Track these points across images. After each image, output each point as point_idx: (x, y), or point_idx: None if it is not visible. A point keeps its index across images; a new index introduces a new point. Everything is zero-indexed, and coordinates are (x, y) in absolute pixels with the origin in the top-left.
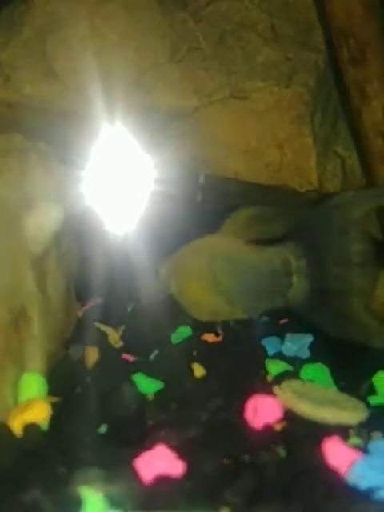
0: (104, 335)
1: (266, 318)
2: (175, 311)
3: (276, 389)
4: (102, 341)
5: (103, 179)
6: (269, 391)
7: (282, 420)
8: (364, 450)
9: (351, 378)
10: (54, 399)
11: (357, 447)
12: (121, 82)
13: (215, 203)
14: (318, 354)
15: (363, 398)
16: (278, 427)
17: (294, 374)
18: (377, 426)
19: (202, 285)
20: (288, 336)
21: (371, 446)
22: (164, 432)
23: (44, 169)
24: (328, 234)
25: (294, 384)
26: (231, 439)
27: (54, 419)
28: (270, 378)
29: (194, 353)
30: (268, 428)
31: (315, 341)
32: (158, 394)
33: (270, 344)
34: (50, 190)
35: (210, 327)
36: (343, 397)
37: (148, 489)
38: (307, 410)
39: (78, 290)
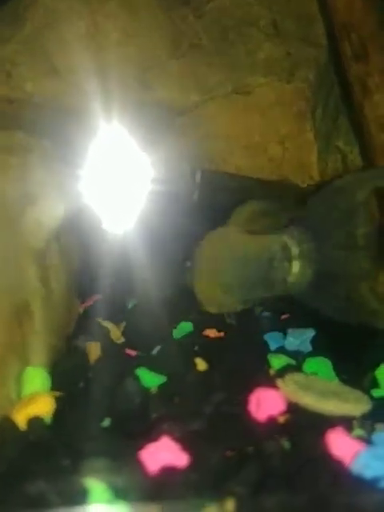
0: (106, 331)
1: (267, 313)
2: (177, 307)
3: (279, 382)
4: (104, 336)
5: (103, 177)
6: (272, 384)
7: (285, 412)
8: (368, 441)
9: (354, 372)
10: (58, 393)
11: (360, 438)
12: (122, 78)
13: (217, 198)
14: (320, 348)
15: (366, 391)
16: (282, 419)
17: (296, 368)
18: (380, 417)
19: (208, 276)
20: (290, 331)
21: (375, 436)
22: (168, 424)
23: (45, 166)
24: (331, 217)
25: (297, 377)
26: (235, 431)
27: (58, 413)
28: (272, 372)
29: (196, 348)
30: (272, 420)
31: (317, 335)
32: (161, 387)
33: (272, 339)
34: (51, 186)
35: (211, 322)
36: (346, 389)
37: (153, 480)
38: (311, 402)
39: (80, 287)
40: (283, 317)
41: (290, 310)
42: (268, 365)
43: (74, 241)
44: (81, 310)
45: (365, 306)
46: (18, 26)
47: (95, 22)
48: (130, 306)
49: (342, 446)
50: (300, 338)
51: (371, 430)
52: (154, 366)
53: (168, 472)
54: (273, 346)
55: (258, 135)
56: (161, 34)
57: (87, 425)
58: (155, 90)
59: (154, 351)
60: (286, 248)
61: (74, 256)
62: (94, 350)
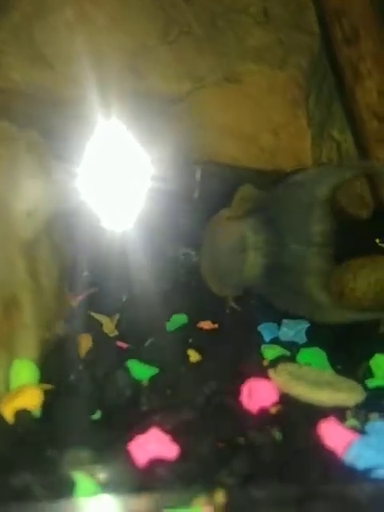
0: (99, 324)
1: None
2: (171, 299)
3: (271, 372)
4: (97, 329)
5: (96, 168)
6: (264, 375)
7: (277, 403)
8: (361, 431)
9: (348, 362)
10: (47, 386)
11: (354, 429)
12: (111, 66)
13: (214, 189)
14: (314, 339)
15: (360, 381)
16: (274, 410)
17: (290, 359)
18: (374, 407)
19: (205, 260)
20: (284, 321)
21: (368, 426)
22: (158, 416)
23: (34, 157)
24: (290, 210)
25: (290, 367)
26: (226, 422)
27: (47, 406)
28: (266, 363)
29: (190, 340)
30: (263, 411)
31: (312, 326)
32: (153, 379)
33: (267, 330)
34: (40, 178)
35: (206, 314)
36: (340, 379)
37: (141, 471)
38: (303, 392)
39: (74, 280)
40: None
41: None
42: (261, 356)
43: (66, 234)
44: (75, 303)
45: (313, 301)
46: (5, 14)
47: (82, 9)
48: (124, 298)
49: (334, 436)
50: (294, 329)
51: (365, 420)
52: (145, 358)
53: (157, 464)
54: (267, 337)
55: (250, 124)
56: (150, 21)
57: (76, 417)
58: (145, 78)
59: (147, 344)
60: (243, 237)
61: (65, 249)
62: (85, 342)
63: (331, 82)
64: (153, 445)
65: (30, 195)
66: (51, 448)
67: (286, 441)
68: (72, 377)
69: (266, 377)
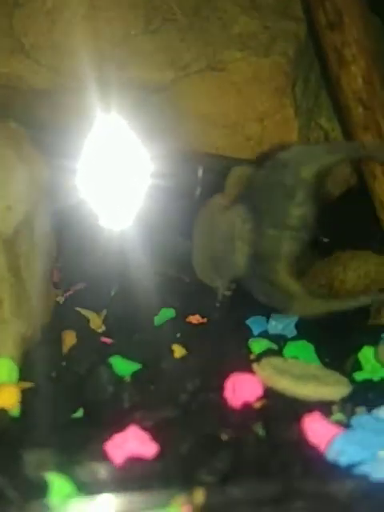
0: (85, 320)
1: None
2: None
3: (255, 366)
4: (84, 325)
5: (83, 160)
6: (249, 369)
7: (261, 397)
8: (348, 425)
9: (336, 355)
10: (27, 384)
11: (340, 423)
12: (92, 55)
13: (203, 180)
14: (304, 332)
15: (348, 374)
16: (258, 405)
17: (277, 352)
18: (361, 401)
19: (197, 248)
20: (273, 315)
21: (354, 420)
22: (140, 413)
23: (14, 148)
24: (272, 193)
25: (275, 361)
26: (209, 419)
27: (26, 404)
28: (252, 357)
29: (178, 334)
30: (247, 406)
31: (301, 319)
32: (136, 375)
33: (256, 323)
34: (21, 170)
35: (194, 308)
36: (326, 372)
37: (118, 471)
38: (288, 386)
39: (63, 276)
40: None
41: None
42: (249, 350)
43: (50, 227)
44: (62, 299)
45: (283, 290)
46: None
47: None
48: (112, 293)
49: (318, 431)
50: (283, 322)
51: (351, 414)
52: (129, 353)
53: (134, 462)
54: (256, 331)
55: (236, 113)
56: (132, 9)
57: (56, 416)
58: (127, 67)
59: (133, 339)
60: (231, 226)
61: (49, 243)
62: (69, 338)
63: (318, 69)
64: (131, 443)
65: (9, 188)
66: (27, 448)
67: (269, 437)
68: (53, 374)
69: (251, 371)
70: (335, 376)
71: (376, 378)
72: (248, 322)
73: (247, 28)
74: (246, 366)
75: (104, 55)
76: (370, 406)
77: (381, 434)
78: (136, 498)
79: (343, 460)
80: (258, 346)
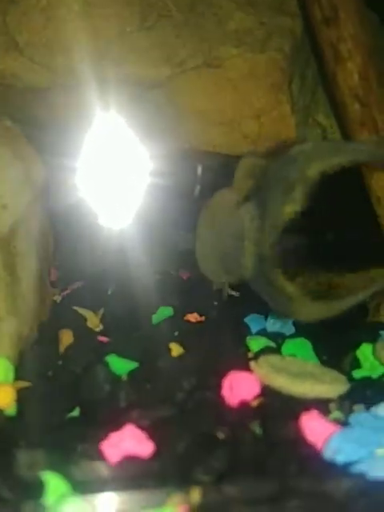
0: (83, 319)
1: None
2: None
3: (252, 364)
4: (81, 324)
5: (74, 156)
6: (247, 367)
7: (259, 396)
8: (345, 423)
9: (335, 352)
10: (23, 383)
11: (338, 421)
12: (87, 53)
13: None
14: (302, 329)
15: (347, 372)
16: (255, 403)
17: (275, 350)
18: (360, 398)
19: (202, 243)
20: (272, 312)
21: (352, 418)
22: (136, 412)
23: (9, 146)
24: (276, 190)
25: (272, 358)
26: (205, 417)
27: (23, 403)
28: (251, 355)
29: (176, 333)
30: (244, 404)
31: None
32: (133, 374)
33: (254, 321)
34: (16, 168)
35: (192, 307)
36: (323, 370)
37: (114, 470)
38: (285, 383)
39: (60, 275)
40: None
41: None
42: (247, 348)
43: (47, 226)
44: (59, 298)
45: (281, 293)
46: None
47: None
48: (109, 292)
49: (315, 429)
50: (281, 320)
51: (349, 412)
52: (126, 352)
53: (130, 461)
54: (254, 329)
55: (232, 110)
56: (127, 6)
57: (52, 415)
58: (123, 64)
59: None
60: (240, 225)
61: (46, 242)
62: (66, 337)
63: (315, 66)
64: (127, 442)
65: (4, 187)
66: (22, 448)
67: (266, 435)
68: (50, 373)
69: (248, 369)
70: (333, 374)
71: (374, 376)
72: (246, 320)
73: (243, 24)
74: (244, 364)
75: (99, 52)
76: (369, 404)
77: (379, 431)
78: (132, 497)
79: (340, 458)
80: (255, 343)
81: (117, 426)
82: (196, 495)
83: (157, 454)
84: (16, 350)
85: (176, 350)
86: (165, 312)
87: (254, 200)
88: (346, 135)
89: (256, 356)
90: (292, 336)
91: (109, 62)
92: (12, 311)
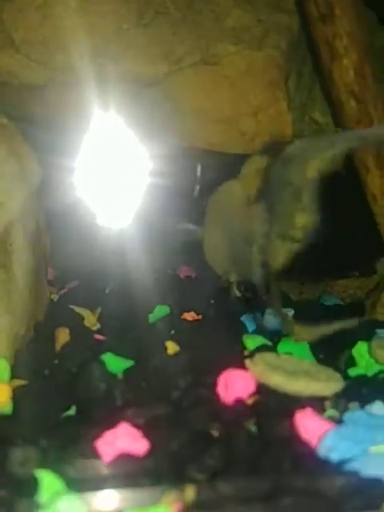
0: (80, 318)
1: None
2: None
3: (248, 362)
4: (78, 323)
5: (71, 154)
6: (242, 366)
7: (254, 393)
8: (340, 421)
9: (331, 350)
10: (19, 382)
11: (333, 419)
12: (84, 50)
13: (190, 176)
14: None
15: (342, 370)
16: (250, 401)
17: (271, 348)
18: (355, 396)
19: (210, 236)
20: (268, 311)
21: (346, 416)
22: (131, 410)
23: (4, 144)
24: (283, 194)
25: (267, 356)
26: (200, 415)
27: (18, 402)
28: (247, 353)
29: (173, 331)
30: (239, 402)
31: (296, 315)
32: (129, 372)
33: (251, 319)
34: (12, 166)
35: (189, 306)
36: (318, 368)
37: (108, 468)
38: (280, 381)
39: (57, 275)
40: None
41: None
42: (243, 346)
43: (44, 224)
44: (56, 296)
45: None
46: None
47: None
48: (107, 291)
49: (310, 427)
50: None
51: (345, 410)
52: (123, 351)
53: (125, 459)
54: (251, 327)
55: (229, 107)
56: (124, 2)
57: (48, 413)
58: (120, 61)
59: (127, 336)
60: (249, 228)
61: (43, 240)
62: (62, 336)
63: (311, 63)
64: (122, 440)
65: (1, 184)
66: (17, 446)
67: (261, 433)
68: (46, 371)
69: (244, 367)
70: (328, 372)
71: (370, 374)
72: (243, 318)
73: (240, 21)
74: (240, 363)
75: (96, 50)
76: (364, 402)
77: (373, 429)
78: (127, 495)
79: (334, 456)
80: (252, 342)
81: (112, 424)
82: (190, 493)
83: (151, 452)
84: (12, 348)
85: (172, 348)
86: (161, 311)
87: (263, 201)
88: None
89: (252, 354)
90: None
91: (106, 60)
92: (8, 309)
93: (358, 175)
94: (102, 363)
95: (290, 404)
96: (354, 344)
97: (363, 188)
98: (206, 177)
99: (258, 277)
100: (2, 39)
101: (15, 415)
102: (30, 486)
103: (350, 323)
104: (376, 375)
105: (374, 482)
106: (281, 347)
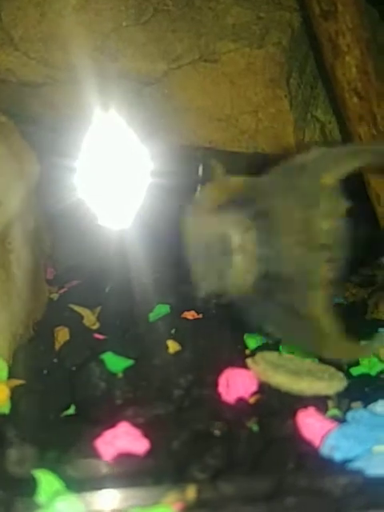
0: (79, 317)
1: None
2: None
3: (249, 361)
4: (77, 322)
5: (69, 152)
6: (244, 365)
7: (256, 393)
8: (343, 420)
9: None
10: (17, 381)
11: (335, 418)
12: (83, 47)
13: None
14: None
15: (345, 369)
16: (252, 400)
17: (273, 347)
18: (358, 396)
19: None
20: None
21: (349, 415)
22: (132, 410)
23: (3, 142)
24: (288, 202)
25: (269, 355)
26: (202, 415)
27: (17, 401)
28: (248, 352)
29: (173, 331)
30: (241, 402)
31: None
32: (129, 371)
33: None
34: (10, 164)
35: (190, 305)
36: (321, 367)
37: (108, 467)
38: (282, 381)
39: (57, 274)
40: None
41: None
42: (245, 345)
43: (43, 223)
44: (56, 295)
45: (314, 326)
46: None
47: None
48: (107, 290)
49: (313, 426)
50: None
51: (347, 409)
52: (123, 350)
53: (125, 459)
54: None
55: (229, 105)
56: (123, 0)
57: (47, 413)
58: (119, 59)
59: (127, 335)
60: (224, 237)
61: (42, 239)
62: (62, 335)
63: (314, 61)
64: (122, 440)
65: (0, 182)
66: (15, 446)
67: (263, 432)
68: (45, 371)
69: (245, 366)
70: (330, 371)
71: (373, 373)
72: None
73: (240, 18)
74: (241, 362)
75: (95, 47)
76: (367, 401)
77: (376, 428)
78: (127, 495)
79: (337, 455)
80: (253, 341)
81: (112, 423)
82: (192, 493)
83: (152, 452)
84: (10, 347)
85: (173, 347)
86: (161, 310)
87: (241, 211)
88: (345, 130)
89: (253, 353)
90: None
91: (105, 57)
92: (6, 308)
93: (361, 175)
94: (102, 362)
95: (292, 403)
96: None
97: (366, 188)
98: (207, 176)
99: (242, 286)
100: (0, 37)
101: (13, 415)
102: (28, 486)
103: None
104: (379, 374)
105: (378, 481)
106: (283, 346)
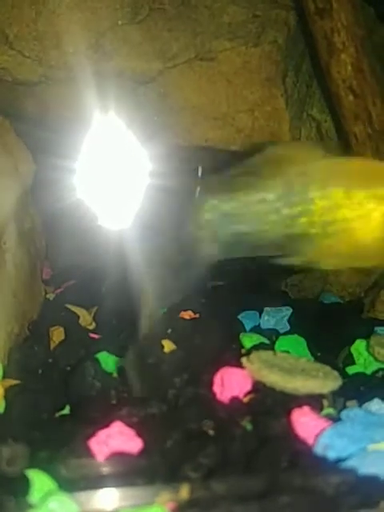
0: (75, 317)
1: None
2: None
3: (244, 360)
4: (73, 322)
5: (65, 152)
6: (239, 364)
7: (250, 392)
8: (337, 419)
9: (329, 348)
10: (12, 381)
11: (330, 417)
12: (78, 46)
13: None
14: (297, 326)
15: (341, 368)
16: (247, 399)
17: (268, 347)
18: (353, 394)
19: None
20: (266, 309)
21: (343, 414)
22: (126, 409)
23: None
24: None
25: (263, 354)
26: (196, 414)
27: (11, 401)
28: (243, 351)
29: (169, 330)
30: (235, 401)
31: (294, 313)
32: (123, 371)
33: (248, 318)
34: (5, 163)
35: (186, 304)
36: (315, 365)
37: (102, 467)
38: (276, 379)
39: (54, 274)
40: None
41: None
42: (240, 344)
43: (38, 222)
44: (52, 295)
45: None
46: None
47: None
48: (103, 290)
49: (307, 425)
50: (276, 317)
51: (342, 408)
52: (118, 349)
53: (118, 458)
54: (248, 326)
55: (225, 104)
56: None
57: (41, 412)
58: (114, 58)
59: (122, 335)
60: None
61: (38, 239)
62: (57, 335)
63: (309, 59)
64: (116, 439)
65: None
66: (8, 446)
67: (257, 431)
68: (40, 370)
69: (240, 366)
70: (325, 369)
71: (368, 372)
72: (240, 316)
73: (236, 17)
74: (236, 361)
75: (90, 46)
76: (362, 400)
77: (370, 427)
78: (120, 495)
79: (332, 454)
80: (248, 340)
81: (106, 423)
82: (185, 492)
83: (145, 451)
84: (5, 347)
85: (168, 346)
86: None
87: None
88: (341, 128)
89: (249, 353)
90: (286, 333)
91: (100, 56)
92: (1, 308)
93: None
94: (97, 361)
95: (286, 402)
96: (352, 342)
97: None
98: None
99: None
100: None
101: (7, 414)
102: (21, 486)
103: None
104: (374, 373)
105: (372, 480)
106: (278, 346)
